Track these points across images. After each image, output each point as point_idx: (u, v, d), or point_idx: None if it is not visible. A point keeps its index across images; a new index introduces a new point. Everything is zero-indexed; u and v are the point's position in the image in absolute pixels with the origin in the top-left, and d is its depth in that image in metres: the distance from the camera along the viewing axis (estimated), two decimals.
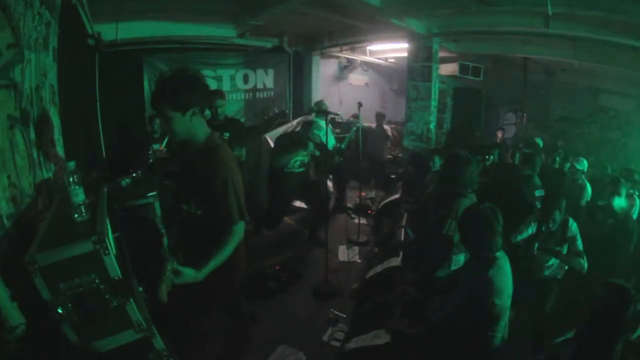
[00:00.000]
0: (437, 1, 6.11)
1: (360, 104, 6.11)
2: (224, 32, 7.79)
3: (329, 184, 7.36)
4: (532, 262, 4.11)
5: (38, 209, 2.78)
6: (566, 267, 4.05)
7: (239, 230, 2.59)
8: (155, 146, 5.54)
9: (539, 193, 5.76)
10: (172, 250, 3.69)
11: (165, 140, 4.16)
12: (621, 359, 2.17)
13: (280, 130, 8.25)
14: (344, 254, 6.15)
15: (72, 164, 2.37)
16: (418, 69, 8.04)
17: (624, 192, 5.15)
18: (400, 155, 9.91)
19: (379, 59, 11.87)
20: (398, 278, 4.24)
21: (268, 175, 6.69)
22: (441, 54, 8.30)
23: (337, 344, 4.11)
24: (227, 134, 5.15)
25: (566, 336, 2.79)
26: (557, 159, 6.82)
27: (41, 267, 1.90)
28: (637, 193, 5.13)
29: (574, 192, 5.83)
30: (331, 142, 7.29)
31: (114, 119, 6.84)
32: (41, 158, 3.07)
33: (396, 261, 4.61)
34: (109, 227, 2.44)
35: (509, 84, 10.71)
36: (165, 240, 3.93)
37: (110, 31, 6.27)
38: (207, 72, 8.40)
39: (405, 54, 8.48)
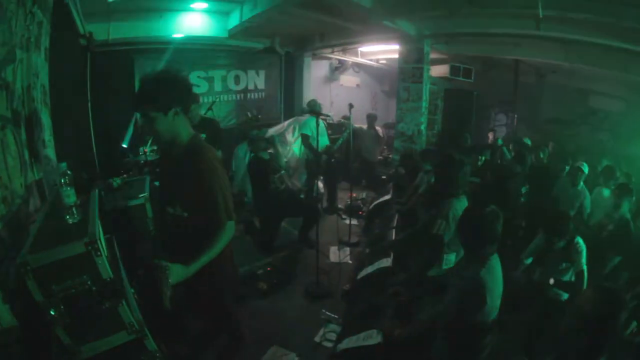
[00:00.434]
0: (429, 3, 6.13)
1: (351, 105, 6.11)
2: (215, 32, 7.78)
3: (320, 184, 7.36)
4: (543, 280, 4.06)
5: (29, 210, 2.77)
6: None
7: (228, 229, 2.57)
8: (146, 147, 5.51)
9: (524, 189, 5.86)
10: (157, 252, 3.66)
11: (149, 141, 4.13)
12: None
13: (271, 131, 8.25)
14: (335, 254, 6.16)
15: (63, 165, 2.36)
16: (409, 71, 8.07)
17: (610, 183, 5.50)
18: (391, 156, 9.91)
19: (370, 60, 11.88)
20: (389, 278, 4.25)
21: (253, 199, 6.68)
22: (432, 56, 8.33)
23: (329, 344, 4.11)
24: (204, 135, 5.16)
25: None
26: (542, 155, 6.86)
27: (33, 269, 1.90)
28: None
29: (572, 199, 5.77)
30: (323, 142, 7.30)
31: (105, 120, 6.79)
32: (32, 159, 3.05)
33: (387, 262, 4.62)
34: (100, 228, 2.44)
35: (500, 85, 10.76)
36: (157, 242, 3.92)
37: (102, 31, 6.26)
38: (198, 73, 8.42)
39: (396, 56, 8.50)
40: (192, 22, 7.37)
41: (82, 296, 2.04)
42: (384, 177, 9.47)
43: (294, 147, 8.60)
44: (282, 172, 6.30)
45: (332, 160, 7.43)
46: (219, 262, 2.62)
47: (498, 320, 2.85)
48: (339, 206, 8.06)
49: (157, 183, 4.24)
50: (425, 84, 8.01)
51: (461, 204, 3.57)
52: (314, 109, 6.84)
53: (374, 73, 13.51)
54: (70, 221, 2.29)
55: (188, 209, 2.61)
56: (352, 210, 7.49)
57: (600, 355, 2.09)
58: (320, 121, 6.91)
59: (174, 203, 2.65)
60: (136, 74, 7.56)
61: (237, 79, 9.28)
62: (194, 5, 7.07)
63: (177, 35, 7.37)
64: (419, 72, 7.94)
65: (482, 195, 5.35)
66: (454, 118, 10.35)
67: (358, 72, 13.28)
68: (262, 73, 9.84)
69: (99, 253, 2.02)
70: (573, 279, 3.91)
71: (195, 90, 8.18)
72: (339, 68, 12.54)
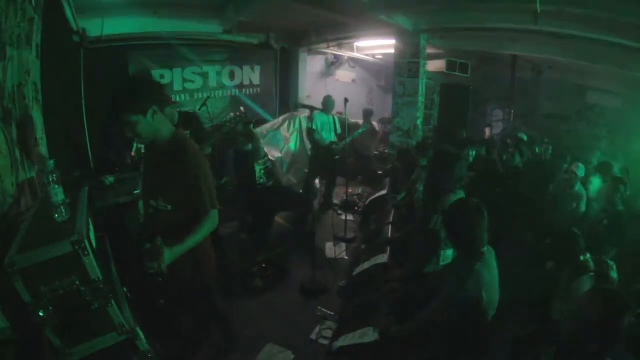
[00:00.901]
0: None
1: (346, 100, 6.09)
2: (210, 28, 7.74)
3: (316, 181, 7.34)
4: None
5: (21, 209, 2.74)
6: None
7: (212, 217, 2.66)
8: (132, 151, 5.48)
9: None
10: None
11: (135, 146, 4.12)
12: None
13: (268, 126, 8.23)
14: (331, 250, 6.13)
15: (51, 163, 2.34)
16: (405, 65, 8.03)
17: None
18: (387, 151, 9.89)
19: (367, 55, 11.85)
20: (385, 275, 4.22)
21: (244, 195, 6.69)
22: (429, 51, 8.30)
23: (326, 342, 4.09)
24: (188, 132, 5.15)
25: None
26: (537, 149, 6.85)
27: (20, 270, 1.88)
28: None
29: (571, 201, 5.75)
30: (328, 138, 7.28)
31: (100, 117, 6.73)
32: (24, 157, 3.01)
33: (383, 258, 4.60)
34: (91, 226, 2.41)
35: (497, 80, 10.77)
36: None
37: (95, 27, 6.19)
38: (193, 69, 8.32)
39: (392, 51, 8.45)
40: (187, 17, 7.30)
41: (71, 297, 2.01)
42: (380, 172, 9.46)
43: (289, 143, 8.58)
44: (268, 164, 6.26)
45: (337, 157, 7.41)
46: (202, 252, 2.82)
47: (498, 316, 2.82)
48: (335, 202, 8.04)
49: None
50: (421, 79, 7.98)
51: (458, 199, 3.54)
52: (326, 106, 7.14)
53: (371, 68, 13.48)
54: (59, 220, 2.26)
55: (172, 202, 2.68)
56: (348, 206, 7.46)
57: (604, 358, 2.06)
58: (337, 117, 6.91)
59: (157, 196, 2.71)
60: (130, 70, 7.50)
61: (232, 75, 9.17)
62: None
63: (171, 31, 7.30)
64: (415, 66, 7.91)
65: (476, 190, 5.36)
66: (450, 113, 10.31)
67: (354, 68, 13.23)
68: (257, 68, 9.74)
69: (86, 252, 2.00)
70: None
71: (190, 86, 8.18)
72: (335, 63, 12.50)
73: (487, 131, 10.03)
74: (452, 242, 3.06)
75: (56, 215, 2.26)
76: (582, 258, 3.50)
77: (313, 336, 4.23)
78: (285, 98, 10.61)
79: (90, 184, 3.70)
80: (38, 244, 1.99)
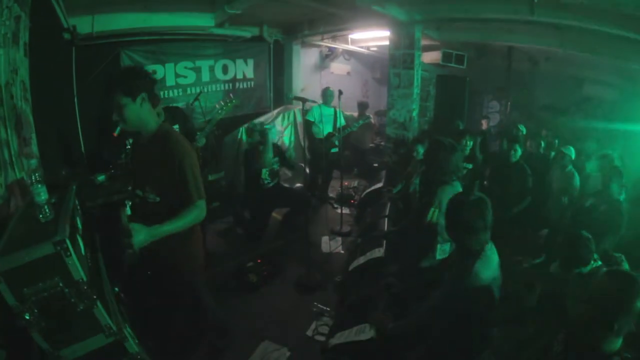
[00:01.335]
0: None
1: (340, 92, 6.04)
2: (202, 21, 7.64)
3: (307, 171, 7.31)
4: None
5: (10, 210, 2.69)
6: None
7: (198, 207, 2.71)
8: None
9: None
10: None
11: (118, 128, 4.08)
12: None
13: (261, 119, 8.17)
14: (326, 245, 6.09)
15: (33, 163, 2.30)
16: (400, 56, 7.94)
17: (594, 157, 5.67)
18: (383, 143, 9.84)
19: (361, 47, 11.76)
20: (382, 269, 4.17)
21: (245, 189, 6.71)
22: (424, 42, 8.21)
23: (322, 338, 4.06)
24: (177, 126, 5.13)
25: None
26: (543, 143, 6.82)
27: (3, 272, 1.85)
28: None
29: (563, 182, 5.85)
30: (328, 130, 7.25)
31: (92, 115, 6.66)
32: (13, 157, 2.96)
33: (379, 252, 4.54)
34: (79, 226, 2.43)
35: (493, 72, 10.72)
36: None
37: (86, 24, 6.10)
38: (185, 64, 8.23)
39: (387, 43, 8.38)
40: (178, 12, 7.21)
41: (55, 299, 1.98)
42: (375, 164, 9.42)
43: (284, 137, 8.55)
44: (275, 166, 6.23)
45: (333, 150, 7.37)
46: (190, 243, 2.94)
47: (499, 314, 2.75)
48: (331, 195, 8.00)
49: None
50: (416, 70, 7.88)
51: (454, 191, 3.46)
52: (327, 98, 7.43)
53: (365, 60, 13.39)
54: (43, 220, 2.22)
55: (159, 192, 2.75)
56: (343, 199, 7.42)
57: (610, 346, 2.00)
58: (339, 110, 6.87)
59: (143, 186, 2.80)
60: (122, 66, 7.41)
61: (225, 69, 9.10)
62: None
63: (162, 26, 7.21)
64: (410, 58, 7.81)
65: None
66: (446, 105, 10.28)
67: (349, 60, 13.15)
68: (250, 62, 9.66)
69: (68, 253, 1.95)
70: None
71: (182, 81, 8.11)
72: (329, 56, 12.41)
73: (485, 123, 9.98)
74: (451, 237, 2.95)
75: (40, 216, 2.21)
76: (592, 264, 3.44)
77: (309, 332, 4.20)
78: (279, 91, 10.52)
79: (81, 183, 3.66)
80: (20, 245, 1.95)
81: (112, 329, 2.17)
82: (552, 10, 5.63)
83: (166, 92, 7.86)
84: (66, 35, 5.98)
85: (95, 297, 2.07)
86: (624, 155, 6.32)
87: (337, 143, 7.29)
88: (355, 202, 7.74)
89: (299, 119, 8.71)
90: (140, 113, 2.64)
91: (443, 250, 3.53)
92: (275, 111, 8.96)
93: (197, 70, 8.49)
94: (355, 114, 9.62)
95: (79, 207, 2.87)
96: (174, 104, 7.51)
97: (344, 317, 3.93)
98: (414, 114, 8.11)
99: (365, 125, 9.16)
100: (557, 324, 2.84)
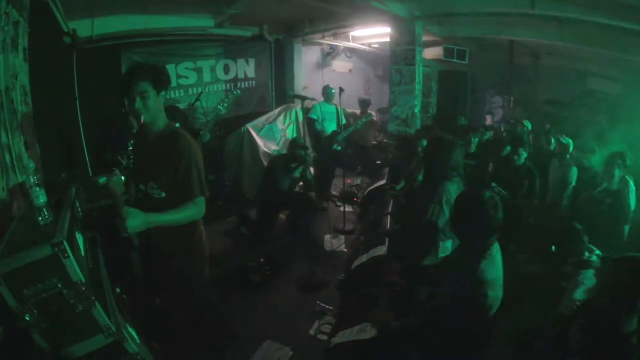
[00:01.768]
0: None
1: (341, 90, 6.02)
2: (202, 22, 7.65)
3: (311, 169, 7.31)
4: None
5: (13, 214, 2.70)
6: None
7: (199, 203, 2.75)
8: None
9: None
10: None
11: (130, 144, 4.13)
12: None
13: (264, 118, 8.17)
14: (329, 243, 6.07)
15: (31, 166, 2.31)
16: (401, 53, 7.91)
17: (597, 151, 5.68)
18: (385, 141, 9.82)
19: (363, 45, 11.72)
20: (384, 268, 4.15)
21: (259, 198, 6.74)
22: (425, 38, 8.18)
23: (325, 337, 4.04)
24: (179, 125, 5.15)
25: None
26: (553, 139, 6.79)
27: (3, 274, 1.85)
28: (629, 177, 5.08)
29: (560, 172, 5.85)
30: (331, 128, 7.25)
31: (95, 117, 6.67)
32: (15, 162, 2.97)
33: (382, 250, 4.53)
34: (80, 227, 2.44)
35: (496, 67, 10.69)
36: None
37: (86, 27, 6.12)
38: (187, 64, 8.25)
39: (389, 39, 8.35)
40: (177, 13, 7.21)
41: (55, 300, 1.98)
42: (379, 162, 9.41)
43: (286, 136, 8.55)
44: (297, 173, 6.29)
45: (338, 147, 7.37)
46: (193, 241, 2.98)
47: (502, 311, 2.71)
48: (334, 193, 7.99)
49: None
50: (418, 66, 7.85)
51: (455, 188, 3.44)
52: (328, 96, 7.51)
53: (367, 58, 13.39)
54: (42, 223, 2.21)
55: (163, 187, 2.76)
56: (346, 197, 7.41)
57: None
58: (340, 108, 6.86)
59: (147, 180, 2.81)
60: (123, 69, 7.41)
61: (226, 69, 9.10)
62: None
63: (163, 27, 7.21)
64: (411, 54, 7.79)
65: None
66: (449, 101, 10.27)
67: (351, 58, 13.14)
68: (252, 61, 9.66)
69: (66, 255, 1.94)
70: None
71: (184, 82, 8.15)
72: (330, 54, 12.41)
73: (489, 119, 9.95)
74: (459, 237, 2.87)
75: (40, 219, 2.21)
76: (586, 255, 3.44)
77: (312, 332, 4.18)
78: (281, 90, 10.51)
79: (83, 185, 3.66)
80: (20, 247, 1.95)
81: (111, 329, 2.15)
82: (553, 4, 5.60)
83: (168, 93, 7.79)
84: (67, 40, 5.99)
85: (93, 298, 2.07)
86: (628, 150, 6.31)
87: (340, 140, 7.28)
88: (358, 200, 7.72)
89: (301, 117, 8.70)
90: (157, 108, 2.71)
91: (445, 248, 3.50)
92: (277, 110, 8.96)
93: (199, 70, 8.50)
94: (358, 112, 9.60)
95: (80, 209, 2.87)
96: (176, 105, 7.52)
97: (347, 316, 3.92)
98: (416, 110, 8.09)
99: (368, 122, 9.15)
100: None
